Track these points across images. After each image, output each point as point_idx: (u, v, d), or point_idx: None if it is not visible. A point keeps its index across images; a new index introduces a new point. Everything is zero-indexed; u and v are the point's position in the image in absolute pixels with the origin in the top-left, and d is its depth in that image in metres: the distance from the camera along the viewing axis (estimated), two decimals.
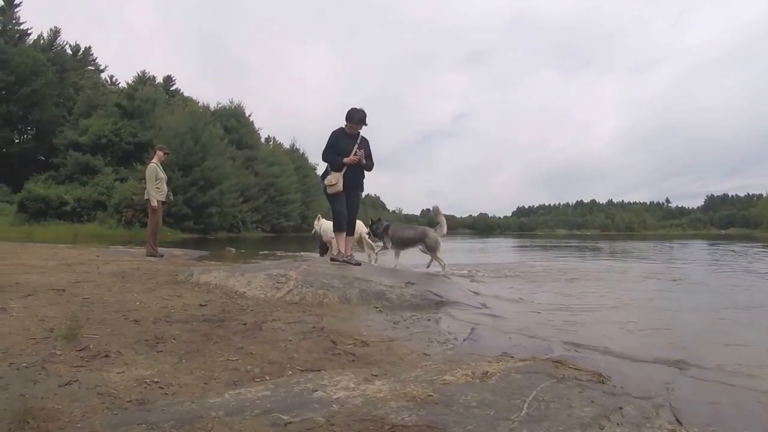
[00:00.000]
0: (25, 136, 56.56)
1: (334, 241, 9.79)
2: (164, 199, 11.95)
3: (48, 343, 3.32)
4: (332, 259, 7.91)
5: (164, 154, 12.27)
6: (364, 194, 8.93)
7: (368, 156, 8.12)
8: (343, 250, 7.95)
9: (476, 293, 6.93)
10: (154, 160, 11.89)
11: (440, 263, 9.98)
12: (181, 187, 43.34)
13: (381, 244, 10.54)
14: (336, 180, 7.89)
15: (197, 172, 45.79)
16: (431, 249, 9.96)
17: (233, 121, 58.46)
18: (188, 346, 3.48)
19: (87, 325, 3.78)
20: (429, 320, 4.97)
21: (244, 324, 4.11)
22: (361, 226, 10.79)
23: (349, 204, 8.11)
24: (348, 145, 7.91)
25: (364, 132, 8.16)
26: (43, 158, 53.49)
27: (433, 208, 10.82)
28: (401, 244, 10.24)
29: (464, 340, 4.23)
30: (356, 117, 7.87)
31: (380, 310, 5.32)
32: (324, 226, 11.16)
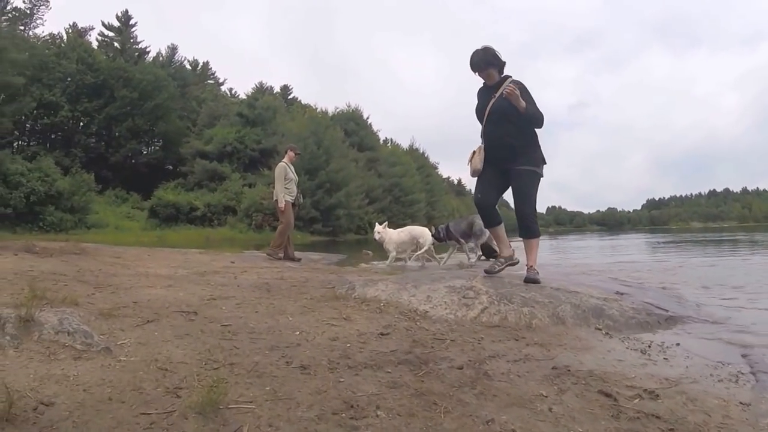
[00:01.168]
0: (152, 147, 58.68)
1: (393, 254, 10.11)
2: (294, 201, 11.28)
3: (170, 424, 1.99)
4: (487, 271, 5.55)
5: (296, 154, 11.65)
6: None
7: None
8: (501, 251, 5.83)
9: (698, 304, 5.30)
10: (284, 160, 11.31)
11: (474, 254, 10.23)
12: (309, 190, 43.26)
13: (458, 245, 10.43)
14: (471, 157, 5.66)
15: (323, 175, 45.91)
16: (477, 237, 10.11)
17: (352, 124, 58.59)
18: (408, 426, 2.12)
19: (232, 378, 2.47)
20: (678, 345, 3.70)
21: (460, 368, 2.89)
22: (424, 234, 10.61)
23: (493, 187, 5.58)
24: (485, 102, 5.51)
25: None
26: (170, 167, 55.46)
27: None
28: (465, 236, 10.26)
29: (752, 373, 3.10)
30: (473, 63, 5.44)
31: (607, 333, 4.09)
32: (390, 236, 10.61)
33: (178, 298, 4.50)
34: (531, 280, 5.11)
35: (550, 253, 16.34)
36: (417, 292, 4.83)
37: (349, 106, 63.27)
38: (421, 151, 73.59)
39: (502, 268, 5.65)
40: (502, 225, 5.73)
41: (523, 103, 5.15)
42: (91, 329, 3.01)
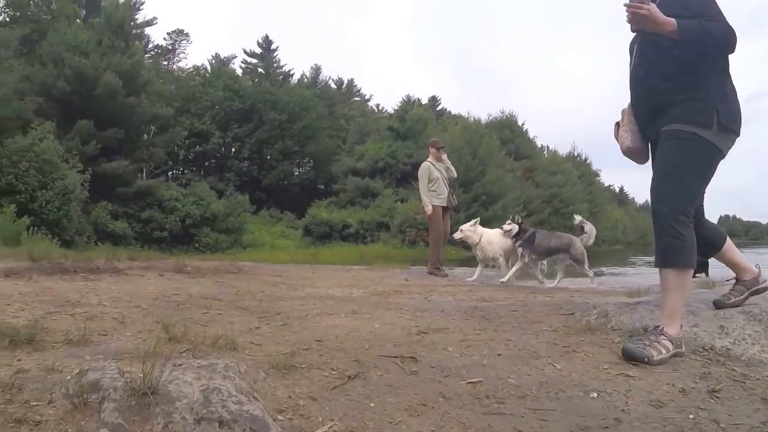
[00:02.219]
0: (303, 168, 59.12)
1: (501, 260, 8.89)
2: (445, 204, 9.91)
3: None
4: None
5: (438, 149, 10.20)
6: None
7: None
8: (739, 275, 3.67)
9: None
10: (429, 159, 10.15)
11: (588, 274, 8.88)
12: (464, 203, 40.42)
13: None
14: (616, 130, 3.56)
15: (478, 187, 43.07)
16: (578, 261, 8.72)
17: (507, 132, 54.63)
18: None
19: None
20: None
21: None
22: (490, 236, 9.11)
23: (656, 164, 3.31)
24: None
25: None
26: (322, 186, 55.65)
27: (578, 220, 9.27)
28: (545, 254, 8.88)
29: None
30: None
31: None
32: (490, 238, 9.05)
33: (375, 331, 3.62)
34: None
35: None
36: (698, 320, 3.45)
37: (502, 113, 59.39)
38: (584, 157, 67.88)
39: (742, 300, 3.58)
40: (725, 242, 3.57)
41: (662, 19, 2.94)
42: (262, 407, 1.98)
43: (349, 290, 6.38)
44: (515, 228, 8.87)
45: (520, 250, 8.72)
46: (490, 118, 56.94)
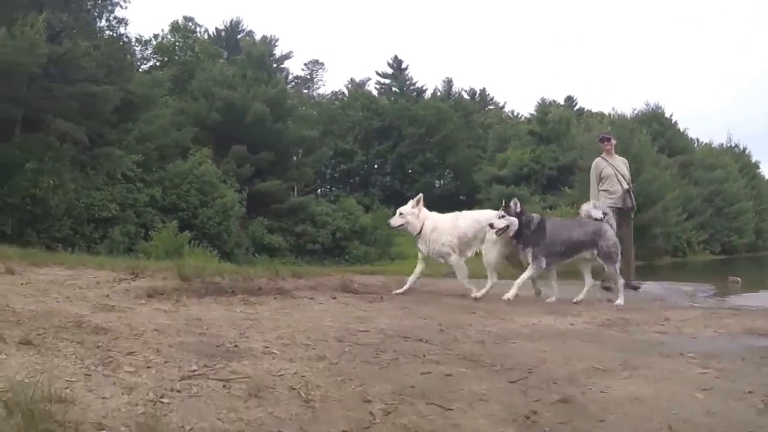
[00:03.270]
0: (444, 180, 58.60)
1: (453, 258, 7.16)
2: (620, 205, 8.49)
3: None
4: None
5: (607, 140, 9.12)
6: None
7: None
8: None
9: None
10: (602, 155, 8.99)
11: (617, 283, 6.80)
12: None
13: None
14: None
15: (634, 187, 39.93)
16: (608, 258, 6.68)
17: (655, 126, 49.74)
18: None
19: None
20: None
21: None
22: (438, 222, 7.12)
23: None
24: None
25: None
26: (463, 197, 53.88)
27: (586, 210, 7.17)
28: (566, 252, 6.81)
29: None
30: None
31: None
32: (432, 223, 7.26)
33: (706, 407, 2.36)
34: None
35: None
36: None
37: (647, 105, 54.25)
38: (742, 148, 61.12)
39: None
40: None
41: None
42: None
43: (564, 320, 5.36)
44: (514, 223, 6.66)
45: (528, 251, 6.69)
46: (635, 112, 52.52)
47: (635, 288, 8.35)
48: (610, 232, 6.92)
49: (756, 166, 59.42)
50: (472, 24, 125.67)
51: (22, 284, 5.54)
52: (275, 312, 4.93)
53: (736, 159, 56.00)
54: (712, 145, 58.69)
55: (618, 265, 6.89)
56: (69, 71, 20.86)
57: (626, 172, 8.90)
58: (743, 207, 49.59)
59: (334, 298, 6.01)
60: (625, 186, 8.69)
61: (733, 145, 60.21)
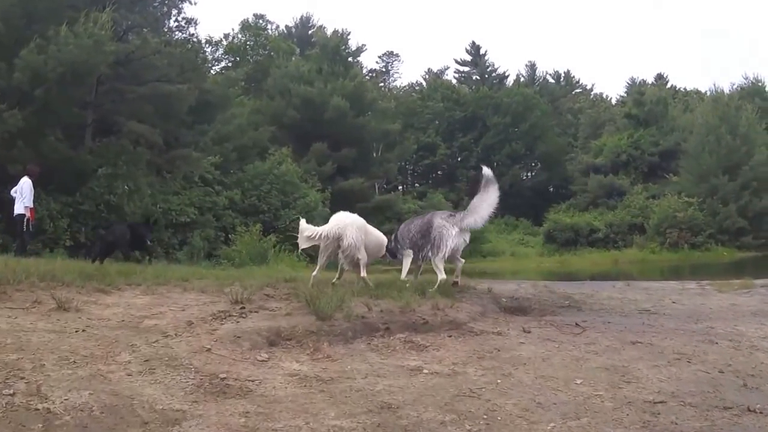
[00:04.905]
0: (533, 171, 55.60)
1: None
2: None
3: None
4: None
5: None
6: None
7: None
8: None
9: None
10: None
11: (438, 274, 6.23)
12: (732, 193, 35.36)
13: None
14: None
15: (746, 172, 35.68)
16: (435, 248, 6.19)
17: (758, 101, 44.55)
18: None
19: None
20: None
21: None
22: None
23: None
24: None
25: None
26: (551, 189, 51.91)
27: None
28: (413, 244, 6.60)
29: None
30: None
31: None
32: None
33: None
34: None
35: None
36: None
37: (746, 79, 49.14)
38: None
39: None
40: None
41: None
42: None
43: None
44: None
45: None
46: (735, 86, 47.63)
47: None
48: (441, 221, 6.50)
49: None
50: (551, 2, 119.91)
51: (76, 331, 3.95)
52: (474, 367, 3.68)
53: None
54: None
55: (440, 257, 6.31)
56: (140, 71, 19.58)
57: None
58: None
59: (528, 331, 4.80)
60: None
61: None
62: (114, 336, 3.84)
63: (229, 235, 22.53)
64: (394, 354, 3.94)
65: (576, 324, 5.02)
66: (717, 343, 4.50)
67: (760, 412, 3.06)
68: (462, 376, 3.43)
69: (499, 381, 3.41)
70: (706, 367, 3.72)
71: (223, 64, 42.66)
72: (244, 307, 4.80)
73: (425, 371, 3.48)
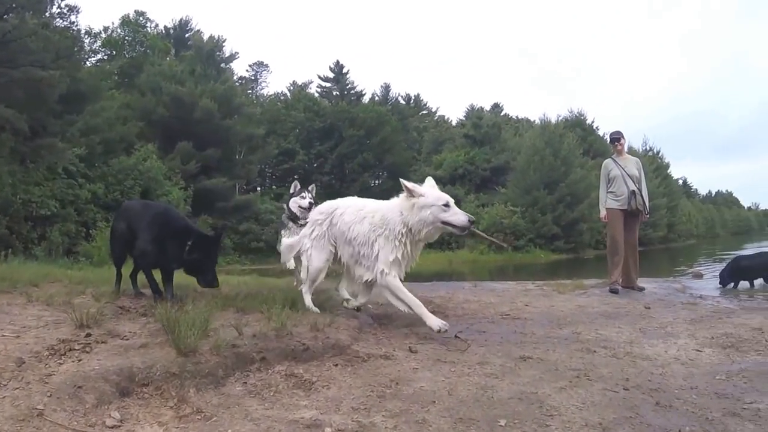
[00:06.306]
0: (379, 180, 57.64)
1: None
2: (625, 207, 7.75)
3: None
4: None
5: (618, 140, 8.23)
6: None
7: None
8: None
9: None
10: (612, 156, 8.23)
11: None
12: (549, 205, 39.19)
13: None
14: None
15: (563, 188, 40.04)
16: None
17: (579, 131, 50.85)
18: None
19: None
20: None
21: None
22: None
23: None
24: None
25: None
26: (398, 196, 53.71)
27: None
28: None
29: None
30: None
31: None
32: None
33: None
34: None
35: None
36: None
37: (571, 112, 55.70)
38: (656, 151, 63.18)
39: None
40: None
41: None
42: None
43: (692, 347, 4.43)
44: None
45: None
46: (560, 118, 53.59)
47: (641, 289, 7.72)
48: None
49: (667, 167, 61.15)
50: (408, 33, 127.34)
51: None
52: (369, 411, 2.86)
53: (651, 161, 57.54)
54: (632, 148, 60.08)
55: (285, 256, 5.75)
56: (15, 54, 18.30)
57: (636, 172, 7.95)
58: (657, 204, 50.70)
59: (415, 351, 4.04)
60: (632, 187, 7.78)
61: (648, 148, 61.91)
62: None
63: (90, 231, 21.21)
64: (279, 398, 2.99)
65: (456, 336, 4.53)
66: (595, 351, 4.23)
67: None
68: (371, 430, 2.63)
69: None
70: (608, 384, 3.37)
71: (99, 56, 40.62)
72: (89, 334, 3.60)
73: (327, 429, 2.60)
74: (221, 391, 3.02)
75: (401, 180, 4.94)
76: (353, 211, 5.06)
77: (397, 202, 4.91)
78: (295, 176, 52.59)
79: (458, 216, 4.67)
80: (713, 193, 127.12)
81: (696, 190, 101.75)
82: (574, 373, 3.58)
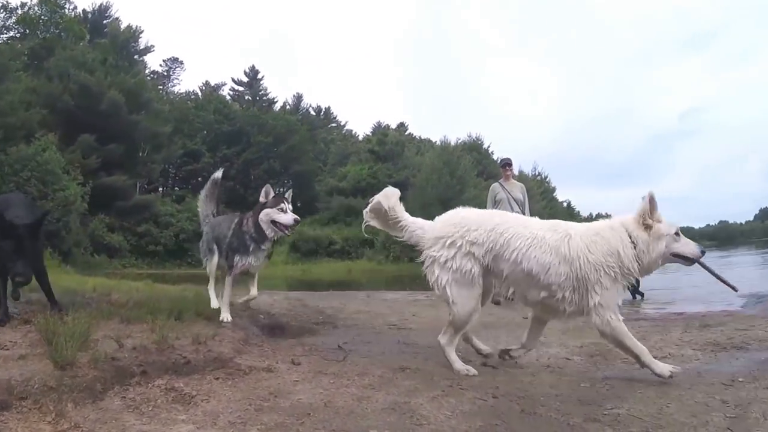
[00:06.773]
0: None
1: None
2: None
3: None
4: None
5: (508, 166, 8.81)
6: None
7: None
8: None
9: None
10: (500, 180, 8.76)
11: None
12: None
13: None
14: None
15: (456, 204, 42.03)
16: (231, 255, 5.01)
17: (475, 154, 53.63)
18: None
19: None
20: None
21: None
22: None
23: None
24: None
25: None
26: (300, 204, 53.59)
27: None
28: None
29: None
30: None
31: None
32: None
33: None
34: None
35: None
36: None
37: (470, 136, 58.65)
38: (544, 176, 67.75)
39: None
40: None
41: None
42: None
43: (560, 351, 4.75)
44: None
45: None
46: (459, 141, 56.30)
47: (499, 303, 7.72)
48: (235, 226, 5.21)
49: (553, 190, 65.69)
50: (323, 46, 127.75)
51: None
52: (245, 425, 2.83)
53: (539, 185, 61.71)
54: (523, 173, 64.11)
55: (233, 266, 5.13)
56: None
57: (521, 197, 8.57)
58: None
59: (298, 363, 4.01)
60: (517, 210, 8.24)
61: (537, 173, 66.40)
62: None
63: None
64: (158, 413, 2.90)
65: (339, 346, 4.62)
66: (471, 360, 4.19)
67: None
68: None
69: None
70: (479, 393, 3.40)
71: (11, 33, 38.30)
72: None
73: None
74: (99, 406, 2.91)
75: (650, 193, 3.88)
76: (529, 236, 3.97)
77: (621, 230, 3.89)
78: (200, 178, 52.22)
79: (690, 246, 3.87)
80: (593, 214, 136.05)
81: (579, 212, 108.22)
82: (447, 382, 3.61)
